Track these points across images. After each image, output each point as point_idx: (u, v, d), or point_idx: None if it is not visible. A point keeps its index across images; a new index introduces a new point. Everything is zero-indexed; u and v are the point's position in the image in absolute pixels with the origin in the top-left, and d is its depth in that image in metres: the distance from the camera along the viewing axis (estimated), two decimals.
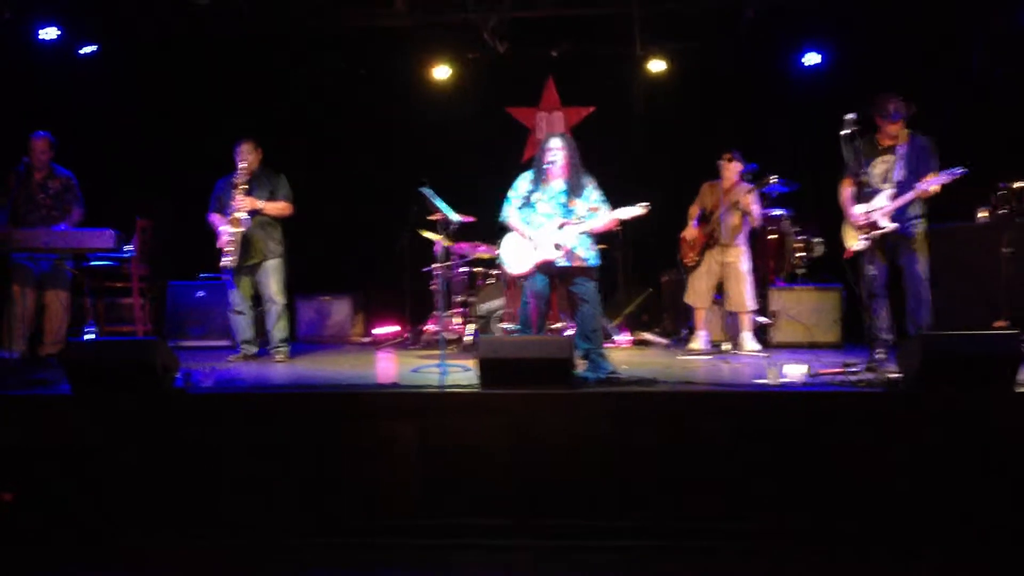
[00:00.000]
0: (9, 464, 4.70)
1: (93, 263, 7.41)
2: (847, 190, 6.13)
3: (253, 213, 6.73)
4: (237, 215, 6.65)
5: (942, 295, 6.36)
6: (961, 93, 7.72)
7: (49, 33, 7.93)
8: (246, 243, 6.72)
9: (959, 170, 5.62)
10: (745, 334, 7.14)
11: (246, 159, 6.78)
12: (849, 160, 5.63)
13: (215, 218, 6.88)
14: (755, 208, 7.08)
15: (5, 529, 4.59)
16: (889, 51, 7.90)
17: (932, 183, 5.69)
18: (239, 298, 6.89)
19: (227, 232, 6.69)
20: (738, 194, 7.05)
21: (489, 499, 4.53)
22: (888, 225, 5.79)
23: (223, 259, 6.72)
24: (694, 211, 7.37)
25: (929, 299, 5.94)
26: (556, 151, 5.71)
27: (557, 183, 5.77)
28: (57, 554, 4.45)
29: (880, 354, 5.69)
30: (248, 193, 6.72)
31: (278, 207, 6.86)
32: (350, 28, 8.62)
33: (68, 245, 6.39)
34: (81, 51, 8.37)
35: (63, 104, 7.98)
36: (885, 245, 5.92)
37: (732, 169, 7.17)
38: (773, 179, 6.97)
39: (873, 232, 5.79)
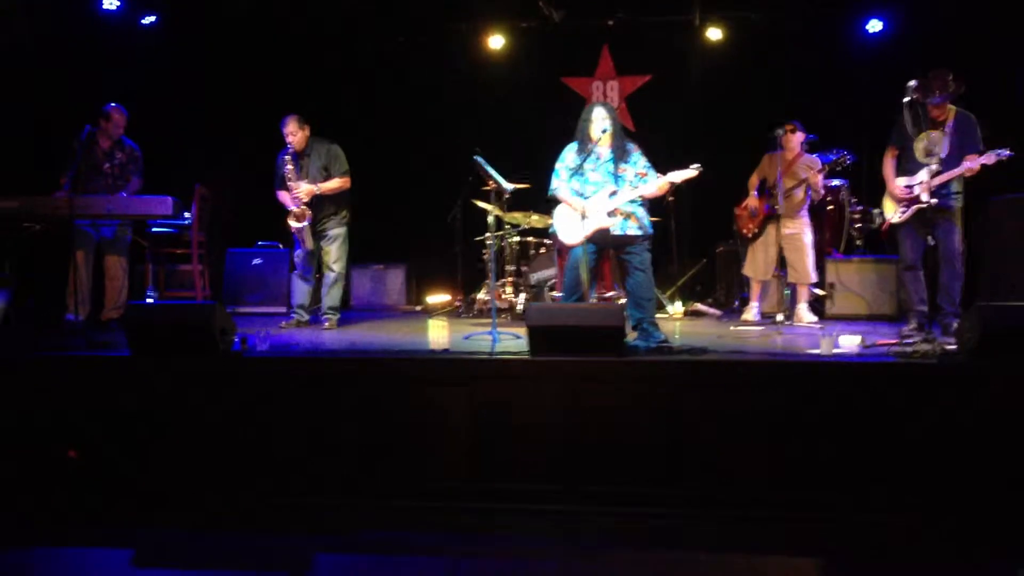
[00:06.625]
0: (72, 422, 4.83)
1: (154, 230, 7.52)
2: (890, 160, 6.16)
3: (315, 198, 6.81)
4: (301, 208, 6.73)
5: (1000, 266, 6.23)
6: None
7: (111, 3, 8.06)
8: (317, 207, 6.79)
9: (1006, 152, 5.68)
10: (801, 305, 7.06)
11: (293, 136, 6.79)
12: (908, 127, 5.57)
13: (282, 195, 6.93)
14: (821, 184, 7.03)
15: (68, 487, 4.72)
16: (955, 18, 7.68)
17: (978, 162, 5.74)
18: (306, 262, 6.97)
19: (294, 226, 6.78)
20: (803, 169, 6.97)
21: (538, 465, 4.55)
22: (929, 200, 5.77)
23: (297, 250, 6.86)
24: (754, 181, 7.28)
25: (963, 273, 5.98)
26: (604, 120, 5.65)
27: (604, 151, 5.73)
28: (112, 513, 4.58)
29: (913, 325, 5.93)
30: (302, 170, 6.78)
31: (334, 186, 6.87)
32: None
33: (128, 212, 6.47)
34: (143, 20, 8.50)
35: (126, 72, 8.10)
36: (922, 218, 5.88)
37: (794, 140, 7.06)
38: (846, 159, 6.92)
39: (913, 205, 5.87)
